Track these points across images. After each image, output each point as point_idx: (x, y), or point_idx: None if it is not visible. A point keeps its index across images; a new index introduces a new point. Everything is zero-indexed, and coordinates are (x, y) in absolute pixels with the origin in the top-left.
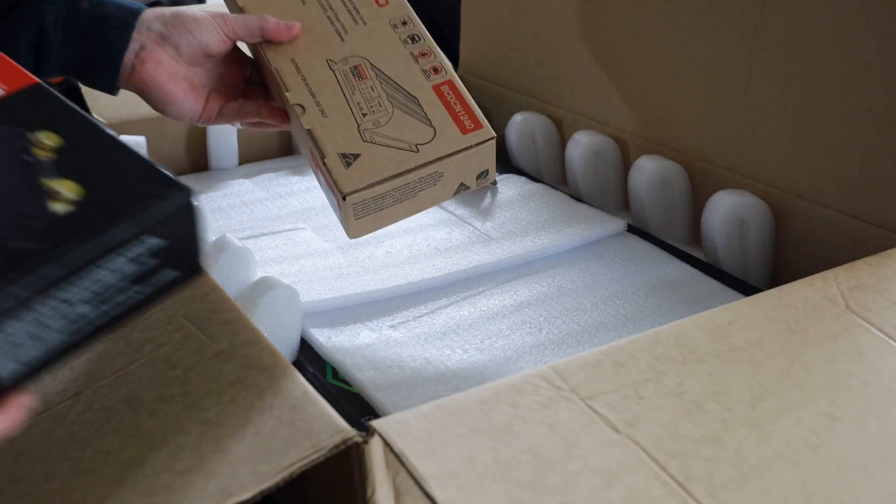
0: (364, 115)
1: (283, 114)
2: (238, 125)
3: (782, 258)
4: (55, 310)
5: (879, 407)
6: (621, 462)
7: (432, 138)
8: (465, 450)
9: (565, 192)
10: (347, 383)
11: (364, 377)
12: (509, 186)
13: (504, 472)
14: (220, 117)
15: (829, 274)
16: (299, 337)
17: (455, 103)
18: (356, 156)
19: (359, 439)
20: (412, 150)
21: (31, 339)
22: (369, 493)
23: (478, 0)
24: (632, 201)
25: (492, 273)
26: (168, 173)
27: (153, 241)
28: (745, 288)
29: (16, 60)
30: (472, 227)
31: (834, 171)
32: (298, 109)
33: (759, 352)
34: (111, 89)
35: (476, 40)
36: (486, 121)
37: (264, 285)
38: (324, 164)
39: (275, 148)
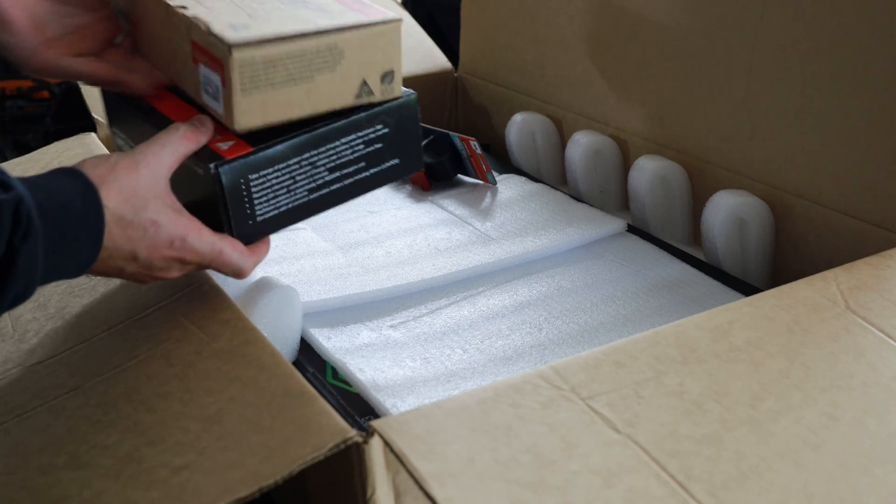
0: (254, 8)
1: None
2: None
3: (782, 258)
4: (304, 170)
5: (879, 407)
6: (621, 462)
7: (331, 18)
8: (465, 450)
9: (565, 192)
10: (347, 383)
11: (364, 377)
12: (509, 186)
13: (504, 471)
14: (62, 68)
15: (829, 274)
16: (299, 337)
17: None
18: (245, 25)
19: (359, 439)
20: (309, 22)
21: (286, 192)
22: (369, 493)
23: (478, 0)
24: (632, 201)
25: (492, 273)
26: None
27: (380, 128)
28: (745, 288)
29: None
30: (472, 227)
31: (834, 171)
32: (180, 11)
33: (759, 352)
34: None
35: (476, 40)
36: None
37: (264, 285)
38: (208, 32)
39: None
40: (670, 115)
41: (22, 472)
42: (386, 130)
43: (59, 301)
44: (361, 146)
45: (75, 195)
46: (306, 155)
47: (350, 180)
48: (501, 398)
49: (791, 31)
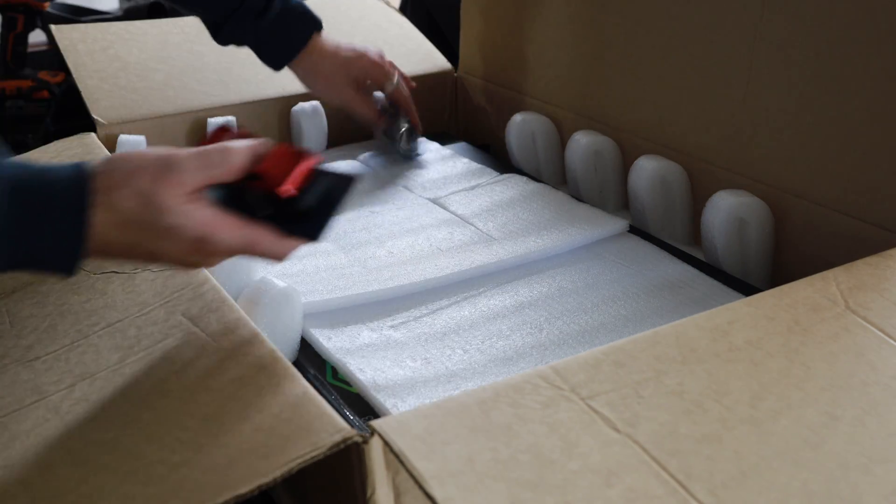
0: None
1: None
2: None
3: (782, 258)
4: None
5: (879, 406)
6: (621, 461)
7: None
8: (465, 450)
9: (565, 193)
10: (347, 383)
11: (364, 377)
12: (510, 186)
13: (504, 471)
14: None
15: (829, 274)
16: (299, 337)
17: None
18: None
19: (359, 439)
20: None
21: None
22: (369, 493)
23: (478, 0)
24: (632, 201)
25: (492, 273)
26: None
27: None
28: (745, 288)
29: (214, 22)
30: (474, 227)
31: (834, 171)
32: None
33: (759, 351)
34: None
35: (476, 40)
36: None
37: (264, 285)
38: None
39: None
40: (670, 115)
41: (19, 465)
42: None
43: (58, 298)
44: None
45: (61, 182)
46: None
47: None
48: (501, 398)
49: (791, 31)
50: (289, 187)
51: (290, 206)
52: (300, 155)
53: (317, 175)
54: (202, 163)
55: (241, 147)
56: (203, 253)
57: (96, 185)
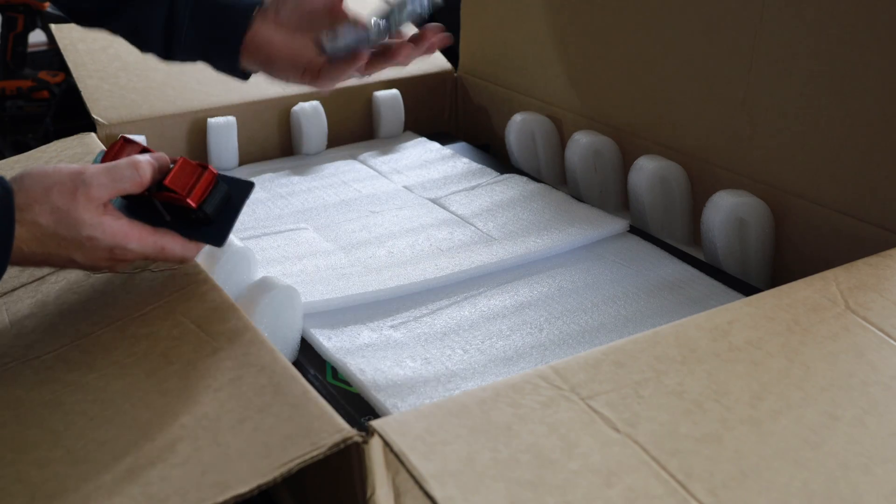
0: None
1: None
2: None
3: (782, 258)
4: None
5: (879, 406)
6: (621, 461)
7: None
8: (465, 449)
9: (565, 192)
10: (347, 383)
11: (364, 377)
12: (510, 186)
13: (504, 471)
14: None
15: (829, 274)
16: (299, 337)
17: None
18: None
19: (359, 439)
20: None
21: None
22: (369, 493)
23: (477, 0)
24: (631, 201)
25: (493, 273)
26: None
27: None
28: (745, 288)
29: (150, 41)
30: (474, 227)
31: (834, 171)
32: None
33: (759, 351)
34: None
35: (476, 40)
36: None
37: (265, 285)
38: None
39: (275, 148)
40: (670, 115)
41: (18, 465)
42: None
43: (58, 297)
44: None
45: None
46: None
47: None
48: (501, 398)
49: (791, 31)
50: (193, 197)
51: (195, 214)
52: (201, 167)
53: (217, 184)
54: (113, 177)
55: (148, 161)
56: (116, 259)
57: (17, 202)
